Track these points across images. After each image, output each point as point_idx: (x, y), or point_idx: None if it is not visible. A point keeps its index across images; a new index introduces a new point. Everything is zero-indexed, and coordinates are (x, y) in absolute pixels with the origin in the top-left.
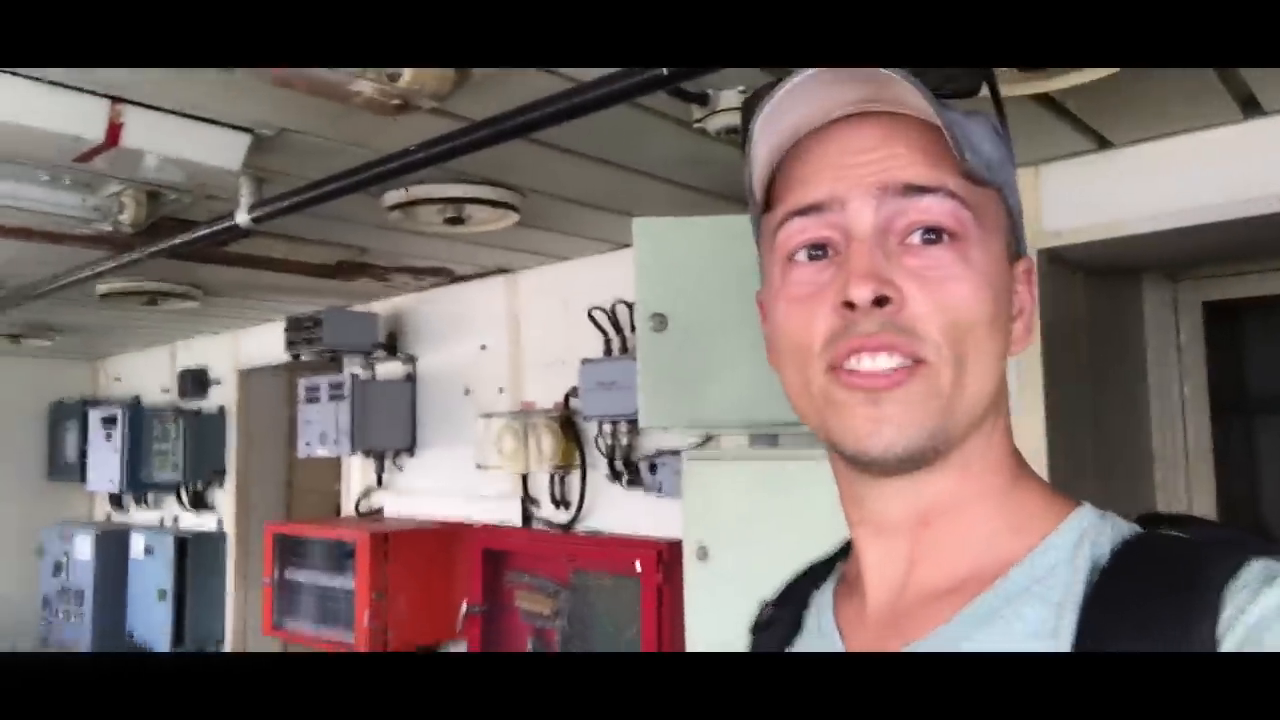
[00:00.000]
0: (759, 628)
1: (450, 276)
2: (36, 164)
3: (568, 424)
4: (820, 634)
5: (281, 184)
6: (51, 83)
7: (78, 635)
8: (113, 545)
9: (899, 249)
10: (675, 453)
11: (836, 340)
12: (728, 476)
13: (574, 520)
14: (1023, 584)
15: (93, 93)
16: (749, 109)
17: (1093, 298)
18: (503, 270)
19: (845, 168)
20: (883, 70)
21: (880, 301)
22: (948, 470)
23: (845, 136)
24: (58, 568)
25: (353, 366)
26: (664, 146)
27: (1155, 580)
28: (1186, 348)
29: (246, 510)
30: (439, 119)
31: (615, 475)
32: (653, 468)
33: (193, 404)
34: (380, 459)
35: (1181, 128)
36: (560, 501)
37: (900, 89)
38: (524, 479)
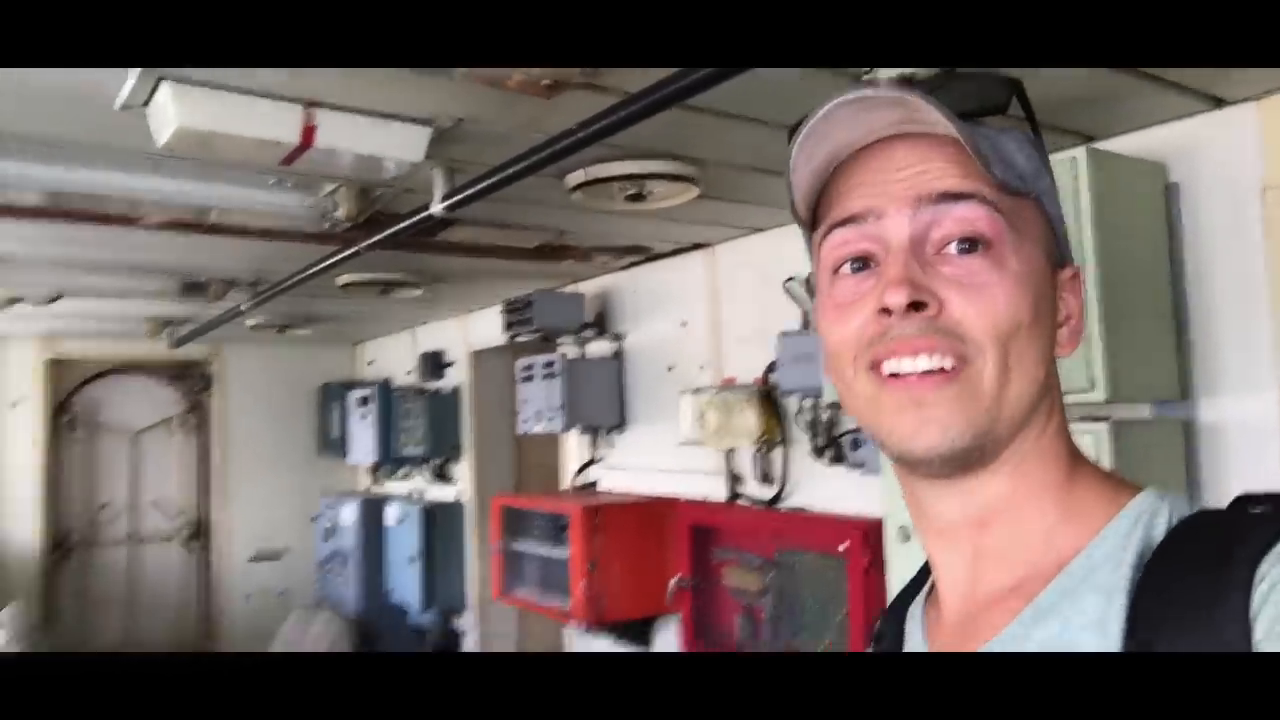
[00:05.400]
0: (874, 641)
1: (649, 254)
2: (255, 169)
3: (768, 399)
4: (912, 649)
5: (471, 173)
6: (250, 92)
7: (346, 594)
8: (372, 513)
9: (936, 259)
10: None
11: (875, 344)
12: None
13: (778, 497)
14: (1080, 575)
15: (287, 99)
16: (791, 133)
17: None
18: (700, 245)
19: (881, 183)
20: (910, 96)
21: (917, 306)
22: (999, 471)
23: (882, 155)
24: (329, 533)
25: (565, 346)
26: None
27: (1196, 560)
28: None
29: (482, 483)
30: (603, 96)
31: (817, 451)
32: (855, 444)
33: (432, 384)
34: (593, 434)
35: None
36: (764, 478)
37: (928, 113)
38: (728, 455)
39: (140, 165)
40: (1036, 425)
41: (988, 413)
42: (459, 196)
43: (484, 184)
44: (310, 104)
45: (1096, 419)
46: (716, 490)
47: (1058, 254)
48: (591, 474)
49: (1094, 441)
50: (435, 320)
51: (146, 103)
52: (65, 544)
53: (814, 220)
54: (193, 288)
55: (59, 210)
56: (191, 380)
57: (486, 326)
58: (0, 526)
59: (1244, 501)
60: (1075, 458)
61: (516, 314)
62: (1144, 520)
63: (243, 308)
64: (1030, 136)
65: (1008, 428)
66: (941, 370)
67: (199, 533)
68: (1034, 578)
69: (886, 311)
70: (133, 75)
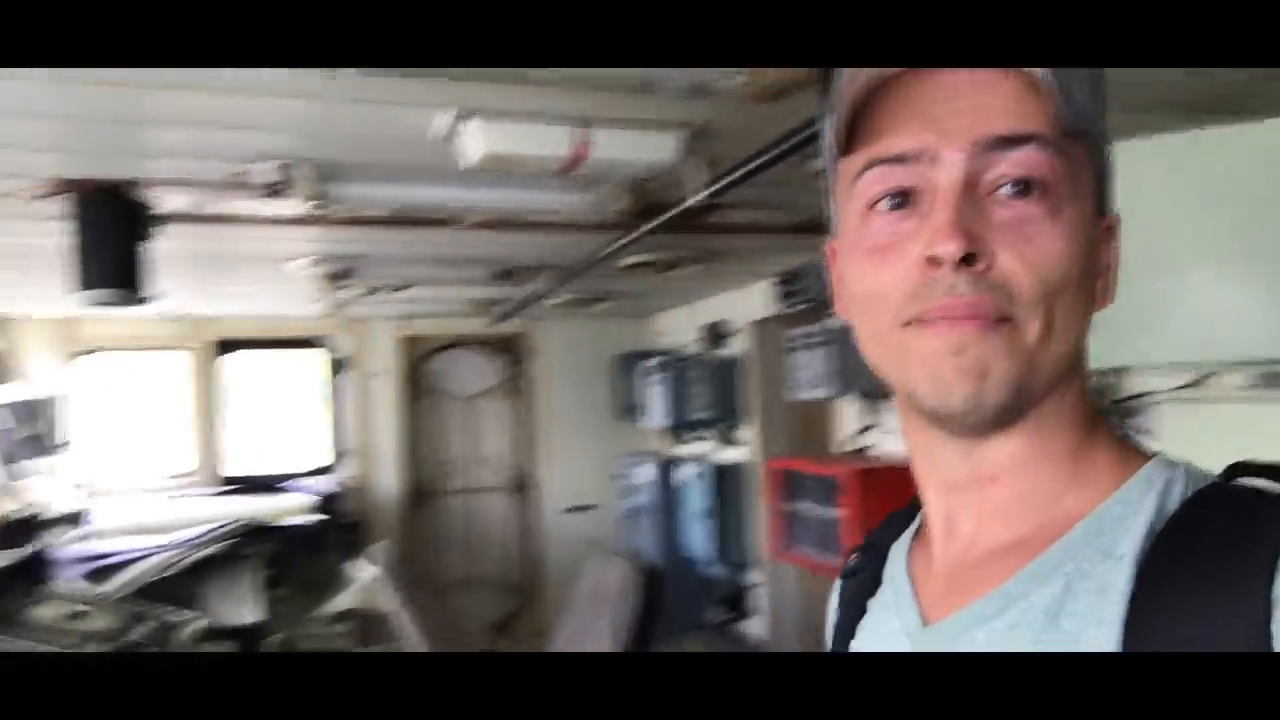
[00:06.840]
0: (846, 574)
1: None
2: (543, 177)
3: None
4: (894, 589)
5: (725, 165)
6: (536, 117)
7: (646, 545)
8: (666, 473)
9: (987, 201)
10: (1138, 396)
11: (919, 297)
12: (1216, 423)
13: None
14: (1086, 539)
15: (564, 120)
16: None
17: None
18: None
19: (933, 118)
20: None
21: (967, 259)
22: (1020, 431)
23: (933, 82)
24: (628, 489)
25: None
26: None
27: (1214, 536)
28: None
29: (765, 445)
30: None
31: None
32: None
33: (716, 353)
34: (865, 399)
35: None
36: None
37: None
38: None
39: (454, 180)
40: (1063, 386)
41: (1029, 366)
42: (712, 188)
43: (731, 177)
44: (582, 122)
45: None
46: None
47: (1100, 202)
48: (865, 438)
49: None
50: (717, 293)
51: (456, 134)
52: (419, 493)
53: (848, 144)
54: (502, 274)
55: (395, 218)
56: (511, 352)
57: (761, 298)
58: (373, 477)
59: (1242, 470)
60: (1093, 420)
61: (787, 285)
62: (1157, 487)
63: (542, 289)
64: (1092, 72)
65: (1043, 389)
66: (986, 321)
67: (520, 486)
68: (1037, 536)
69: (933, 261)
70: (449, 114)
